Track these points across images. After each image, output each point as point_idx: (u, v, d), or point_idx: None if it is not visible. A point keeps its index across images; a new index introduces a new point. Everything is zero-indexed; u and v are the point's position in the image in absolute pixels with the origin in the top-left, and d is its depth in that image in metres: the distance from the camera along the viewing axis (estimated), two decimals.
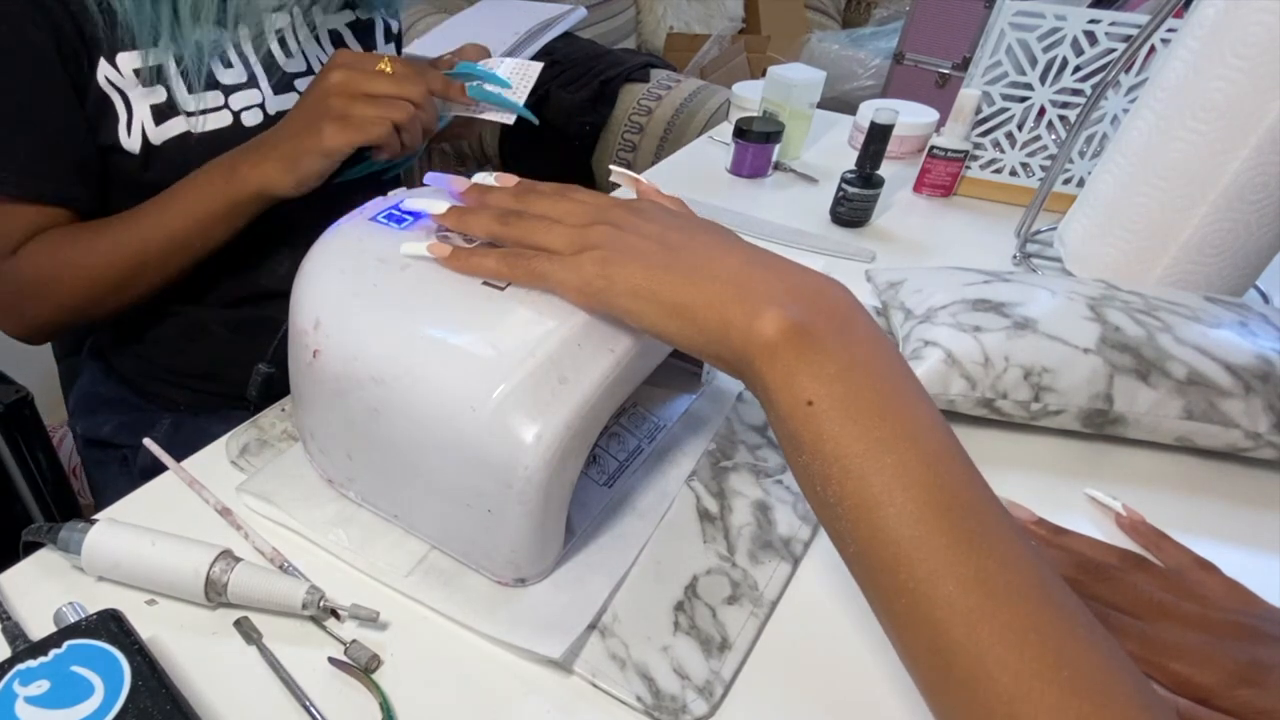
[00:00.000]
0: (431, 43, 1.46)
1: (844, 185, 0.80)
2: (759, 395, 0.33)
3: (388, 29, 0.74)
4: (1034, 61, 0.78)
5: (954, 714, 0.27)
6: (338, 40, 0.69)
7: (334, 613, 0.39)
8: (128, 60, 0.56)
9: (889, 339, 0.33)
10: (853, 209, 0.81)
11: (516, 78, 0.68)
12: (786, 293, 0.33)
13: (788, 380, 0.31)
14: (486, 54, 0.71)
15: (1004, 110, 0.82)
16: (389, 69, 0.56)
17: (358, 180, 0.67)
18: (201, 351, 0.70)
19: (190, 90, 0.58)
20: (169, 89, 0.58)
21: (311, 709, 0.36)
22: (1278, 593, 0.41)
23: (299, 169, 0.56)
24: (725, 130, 1.03)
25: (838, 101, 2.14)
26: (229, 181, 0.57)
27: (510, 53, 1.71)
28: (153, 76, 0.57)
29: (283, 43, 0.64)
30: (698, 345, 0.34)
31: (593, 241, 0.37)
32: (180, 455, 0.49)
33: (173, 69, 0.57)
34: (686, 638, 0.39)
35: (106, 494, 0.75)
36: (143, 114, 0.58)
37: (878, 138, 0.77)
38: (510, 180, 0.43)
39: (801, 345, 0.31)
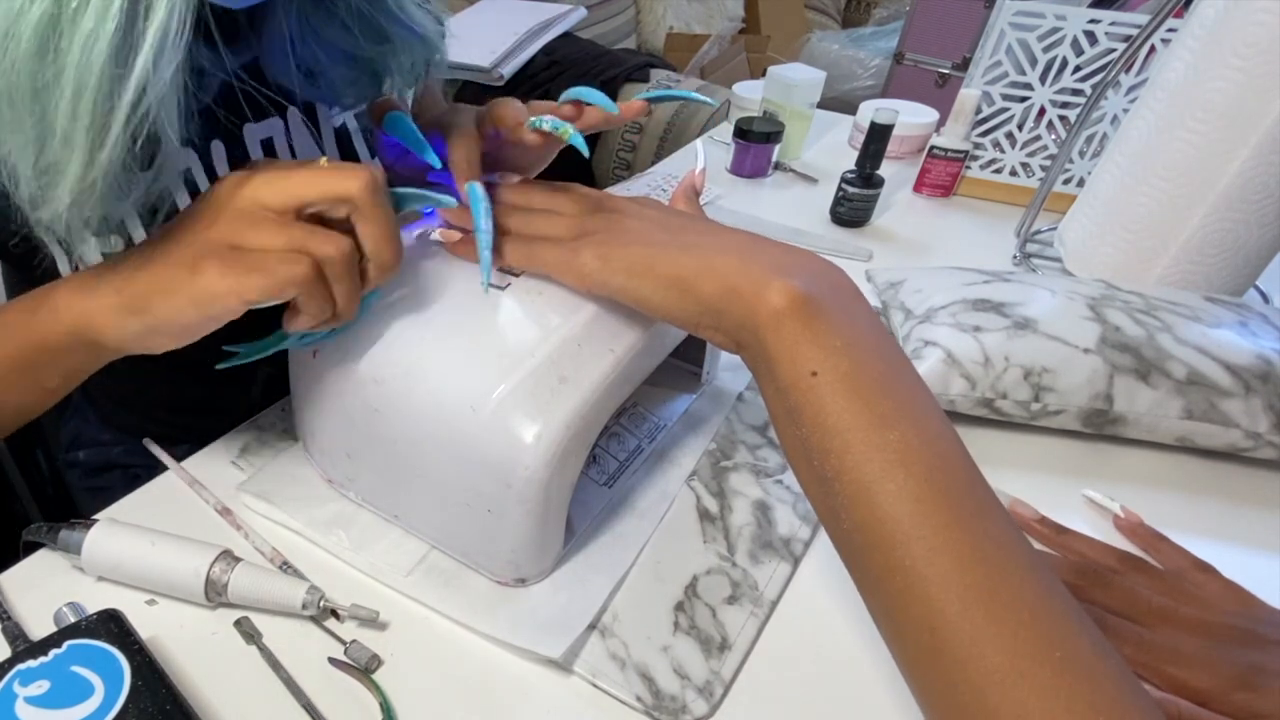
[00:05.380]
0: None
1: (844, 185, 0.80)
2: (759, 367, 0.33)
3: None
4: (1034, 61, 0.78)
5: (944, 694, 0.27)
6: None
7: (334, 613, 0.39)
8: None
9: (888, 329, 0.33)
10: (853, 209, 0.81)
11: None
12: (793, 264, 0.33)
13: (792, 350, 0.31)
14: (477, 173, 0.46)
15: (1004, 110, 0.82)
16: (325, 165, 0.35)
17: None
18: (199, 386, 0.60)
19: (148, 227, 0.41)
20: (127, 234, 0.42)
21: (311, 709, 0.36)
22: (1278, 593, 0.41)
23: (148, 316, 0.34)
24: (725, 130, 1.03)
25: (838, 101, 2.14)
26: (34, 313, 0.37)
27: (511, 52, 1.71)
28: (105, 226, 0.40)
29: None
30: (694, 318, 0.34)
31: (592, 228, 0.37)
32: (180, 455, 0.49)
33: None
34: (686, 638, 0.39)
35: None
36: (94, 258, 0.42)
37: (878, 138, 0.77)
38: (512, 179, 0.43)
39: (808, 315, 0.31)
